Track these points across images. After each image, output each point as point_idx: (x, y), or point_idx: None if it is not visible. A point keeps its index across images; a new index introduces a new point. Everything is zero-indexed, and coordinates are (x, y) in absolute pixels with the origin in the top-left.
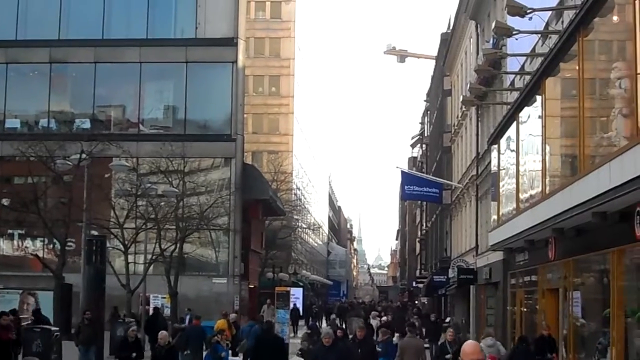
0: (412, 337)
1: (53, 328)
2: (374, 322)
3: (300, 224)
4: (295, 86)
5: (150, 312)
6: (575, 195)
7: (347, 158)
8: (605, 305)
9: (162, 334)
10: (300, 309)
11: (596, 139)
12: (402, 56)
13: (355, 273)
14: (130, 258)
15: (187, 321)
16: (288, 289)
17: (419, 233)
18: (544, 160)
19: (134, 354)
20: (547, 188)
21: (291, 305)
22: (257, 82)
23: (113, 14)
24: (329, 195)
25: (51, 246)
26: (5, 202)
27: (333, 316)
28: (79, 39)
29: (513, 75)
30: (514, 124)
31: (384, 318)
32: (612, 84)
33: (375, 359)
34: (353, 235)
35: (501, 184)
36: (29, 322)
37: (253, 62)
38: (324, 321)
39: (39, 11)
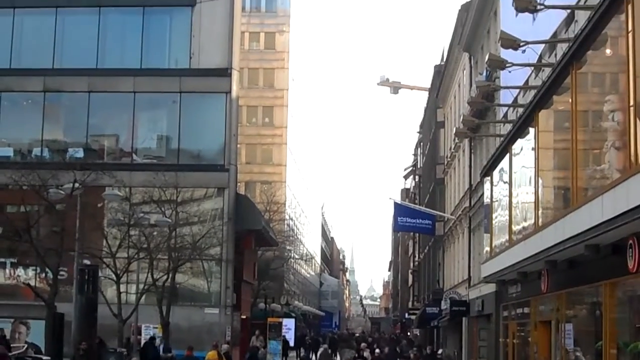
0: None
1: (45, 357)
2: (366, 354)
3: (292, 255)
4: (288, 117)
5: (142, 341)
6: (567, 228)
7: (340, 188)
8: (597, 337)
9: None
10: (292, 340)
11: (589, 172)
12: (396, 88)
13: (347, 304)
14: (122, 287)
15: (161, 350)
16: (280, 320)
17: (412, 264)
18: (536, 193)
19: None
20: (540, 220)
21: (287, 335)
22: (251, 113)
23: (107, 44)
24: (322, 225)
25: (43, 275)
26: None
27: (325, 346)
28: (73, 68)
29: (506, 108)
30: (507, 156)
31: (377, 350)
32: (605, 116)
33: None
34: (345, 266)
35: (494, 215)
36: (21, 350)
37: (247, 92)
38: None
39: (34, 40)
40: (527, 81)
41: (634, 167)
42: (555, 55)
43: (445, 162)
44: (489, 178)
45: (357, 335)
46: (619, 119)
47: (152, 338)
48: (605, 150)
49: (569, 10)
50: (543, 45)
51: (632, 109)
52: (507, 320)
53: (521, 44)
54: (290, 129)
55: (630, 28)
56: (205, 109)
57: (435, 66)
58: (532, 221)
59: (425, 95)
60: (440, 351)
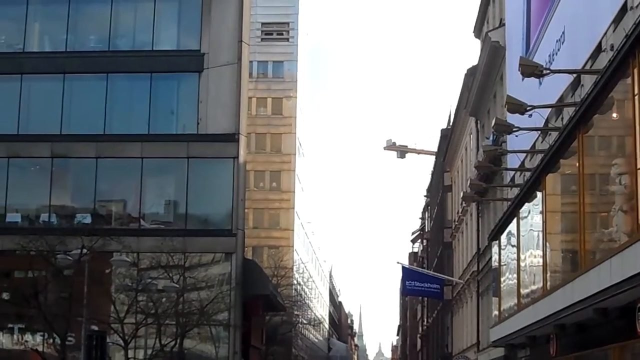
0: None
1: None
2: None
3: (301, 320)
4: (295, 181)
5: None
6: (576, 292)
7: (348, 253)
8: None
9: None
10: None
11: (597, 235)
12: (402, 152)
13: None
14: (130, 353)
15: None
16: None
17: (420, 328)
18: (544, 256)
19: None
20: (548, 284)
21: None
22: (258, 177)
23: (115, 110)
24: (330, 290)
25: (51, 341)
26: (5, 296)
27: None
28: (81, 134)
29: (513, 172)
30: (515, 219)
31: None
32: (612, 180)
33: None
34: (354, 330)
35: (502, 279)
36: None
37: (254, 157)
38: None
39: (41, 106)
40: (534, 145)
41: None
42: (562, 119)
43: (453, 226)
44: (496, 242)
45: None
46: (626, 183)
47: None
48: (612, 213)
49: (575, 75)
50: (550, 109)
51: (639, 172)
52: None
53: (527, 108)
54: (297, 194)
55: (636, 91)
56: (213, 174)
57: (442, 130)
58: (541, 285)
59: (432, 159)
60: None
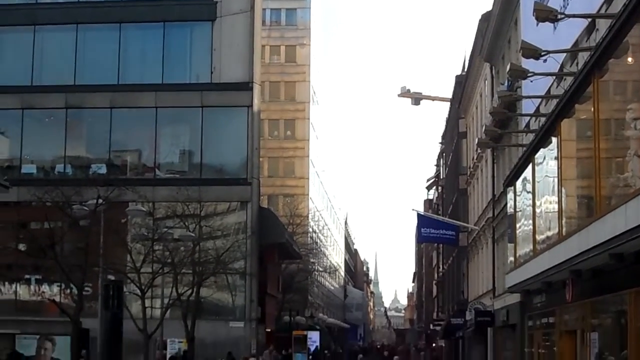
0: None
1: None
2: None
3: (316, 267)
4: (310, 129)
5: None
6: (591, 237)
7: (363, 201)
8: (623, 346)
9: None
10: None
11: (612, 180)
12: (417, 99)
13: (372, 316)
14: (147, 302)
15: None
16: (305, 333)
17: (436, 275)
18: (560, 202)
19: None
20: (564, 229)
21: (312, 348)
22: (273, 126)
23: (128, 59)
24: (345, 238)
25: (68, 291)
26: (22, 247)
27: (361, 356)
28: (95, 84)
29: (528, 117)
30: (530, 165)
31: None
32: (627, 125)
33: None
34: (369, 277)
35: (517, 225)
36: None
37: (268, 106)
38: None
39: (55, 57)
40: (549, 90)
41: None
42: (577, 64)
43: (468, 173)
44: (512, 188)
45: (384, 346)
46: None
47: (185, 352)
48: (628, 158)
49: (590, 19)
50: (564, 54)
51: None
52: (532, 330)
53: (542, 53)
54: (312, 142)
55: None
56: (227, 123)
57: (457, 76)
58: (556, 231)
59: (446, 105)
60: None
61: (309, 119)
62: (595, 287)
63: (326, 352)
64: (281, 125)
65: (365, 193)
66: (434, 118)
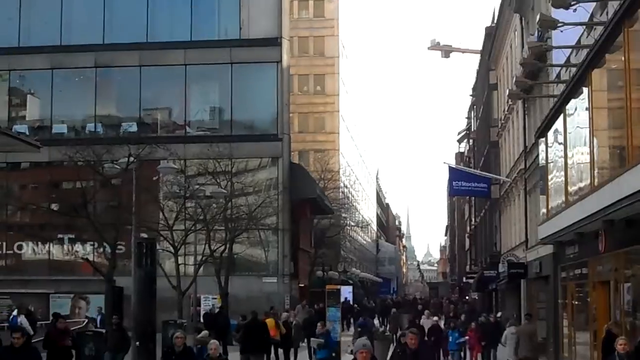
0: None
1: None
2: (427, 322)
3: (348, 222)
4: (340, 84)
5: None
6: (624, 187)
7: (394, 155)
8: None
9: (213, 344)
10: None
11: None
12: (447, 51)
13: (404, 270)
14: (180, 259)
15: (98, 322)
16: (338, 287)
17: (468, 228)
18: (592, 152)
19: None
20: (596, 180)
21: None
22: (302, 81)
23: (157, 17)
24: (377, 192)
25: (101, 250)
26: (54, 207)
27: (394, 310)
28: (124, 42)
29: (559, 68)
30: (561, 116)
31: (434, 318)
32: None
33: None
34: (402, 232)
35: (550, 177)
36: (82, 325)
37: (297, 61)
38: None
39: (83, 16)
40: (579, 40)
41: None
42: (607, 13)
43: (499, 125)
44: (543, 139)
45: (418, 300)
46: None
47: (221, 307)
48: None
49: None
50: (594, 3)
51: None
52: (565, 281)
53: (572, 2)
54: (342, 97)
55: None
56: (257, 79)
57: (486, 28)
58: (588, 181)
59: (477, 57)
60: (499, 314)
61: (338, 73)
62: (628, 238)
63: (356, 306)
64: (311, 81)
65: (396, 147)
66: (465, 70)
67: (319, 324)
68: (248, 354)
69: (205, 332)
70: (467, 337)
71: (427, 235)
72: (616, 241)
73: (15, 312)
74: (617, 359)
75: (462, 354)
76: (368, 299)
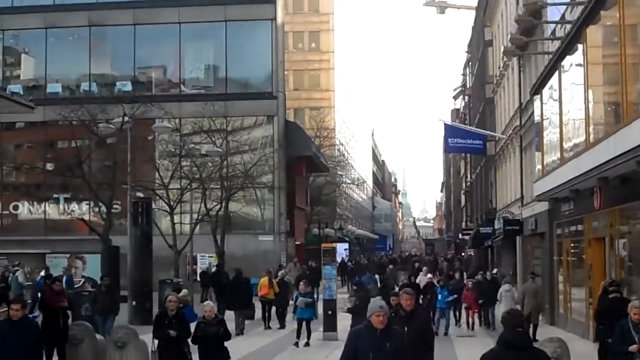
0: (532, 282)
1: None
2: (423, 279)
3: (344, 180)
4: (335, 41)
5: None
6: (619, 144)
7: (389, 112)
8: None
9: (210, 306)
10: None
11: (639, 86)
12: (442, 7)
13: (400, 226)
14: (177, 218)
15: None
16: (334, 245)
17: (464, 185)
18: (587, 109)
19: (172, 332)
20: (591, 136)
21: (338, 259)
22: (297, 38)
23: None
24: (373, 149)
25: (97, 209)
26: (50, 166)
27: (391, 266)
28: (117, 1)
29: (554, 25)
30: (556, 73)
31: (429, 276)
32: None
33: (429, 344)
34: (398, 188)
35: (545, 133)
36: (79, 285)
37: (292, 18)
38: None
39: None
40: None
41: None
42: None
43: (495, 81)
44: (538, 96)
45: (410, 255)
46: None
47: (219, 266)
48: None
49: None
50: None
51: None
52: (560, 238)
53: None
54: (337, 54)
55: None
56: (251, 37)
57: None
58: (583, 138)
59: (472, 14)
60: (495, 270)
61: (333, 30)
62: (623, 195)
63: (350, 263)
64: (306, 38)
65: (392, 104)
66: (460, 27)
67: (301, 283)
68: (235, 310)
69: (185, 291)
70: (456, 296)
71: (423, 192)
72: (611, 198)
73: (42, 273)
74: (631, 325)
75: (457, 312)
76: (363, 256)
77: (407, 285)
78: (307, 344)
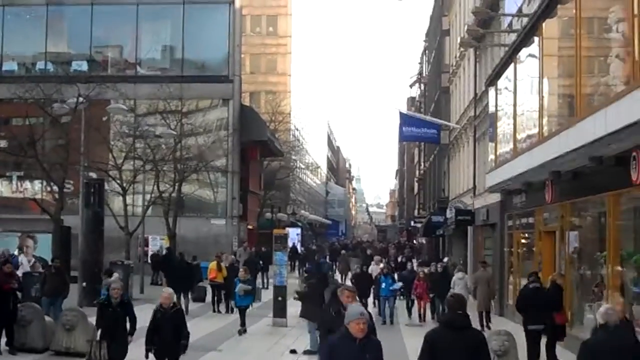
0: (484, 271)
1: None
2: (375, 269)
3: (298, 165)
4: (292, 26)
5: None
6: (571, 140)
7: (346, 98)
8: (601, 247)
9: (167, 292)
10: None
11: (594, 81)
12: None
13: (354, 212)
14: (129, 200)
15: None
16: (286, 231)
17: (417, 173)
18: (541, 101)
19: (130, 339)
20: (545, 129)
21: (290, 245)
22: (255, 22)
23: None
24: (328, 135)
25: (49, 189)
26: (3, 144)
27: (344, 252)
28: None
29: (511, 17)
30: (512, 65)
31: (381, 265)
32: (609, 28)
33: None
34: (352, 174)
35: (499, 124)
36: (30, 264)
37: (250, 1)
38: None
39: None
40: None
41: (638, 79)
42: None
43: (451, 71)
44: (493, 87)
45: (368, 242)
46: (624, 30)
47: (169, 249)
48: (610, 60)
49: None
50: None
51: (636, 19)
52: (512, 229)
53: None
54: (294, 39)
55: None
56: (209, 19)
57: None
58: (537, 130)
59: (431, 2)
60: (445, 259)
61: (291, 14)
62: (574, 189)
63: (302, 249)
64: (263, 21)
65: (349, 90)
66: (419, 15)
67: (241, 270)
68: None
69: (116, 275)
70: (401, 284)
71: (377, 178)
72: (563, 192)
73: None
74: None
75: (409, 303)
76: (315, 241)
77: (359, 275)
78: (243, 332)
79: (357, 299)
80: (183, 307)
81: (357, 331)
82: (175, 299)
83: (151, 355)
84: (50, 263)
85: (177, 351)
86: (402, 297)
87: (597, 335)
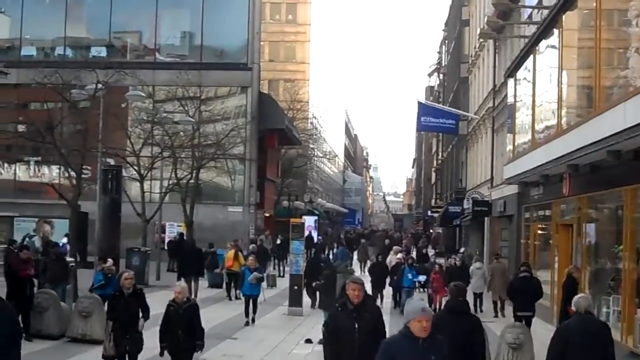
0: (497, 263)
1: (68, 258)
2: (393, 259)
3: (316, 153)
4: (312, 13)
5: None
6: (590, 133)
7: (365, 87)
8: (617, 241)
9: (180, 286)
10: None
11: (613, 74)
12: None
13: (370, 201)
14: (146, 186)
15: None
16: (303, 220)
17: (435, 162)
18: (560, 93)
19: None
20: (563, 120)
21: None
22: (274, 9)
23: None
24: (346, 123)
25: (67, 174)
26: (21, 129)
27: (363, 241)
28: None
29: (531, 9)
30: (531, 57)
31: (399, 256)
32: (629, 22)
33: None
34: (369, 163)
35: (517, 116)
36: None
37: None
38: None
39: None
40: None
41: None
42: None
43: (470, 62)
44: (512, 78)
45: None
46: None
47: (181, 235)
48: (629, 54)
49: None
50: None
51: None
52: (528, 221)
53: None
54: (314, 27)
55: None
56: (228, 6)
57: None
58: (555, 122)
59: None
60: (462, 250)
61: (310, 2)
62: (592, 182)
63: (319, 238)
64: (283, 9)
65: (367, 79)
66: (439, 4)
67: (250, 258)
68: (186, 278)
69: (110, 261)
70: (425, 276)
71: (394, 167)
72: (580, 185)
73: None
74: None
75: (428, 292)
76: (331, 229)
77: (375, 265)
78: (253, 321)
79: (365, 290)
80: (193, 290)
81: (420, 330)
82: (187, 294)
83: (166, 353)
84: (50, 249)
85: (191, 348)
86: (422, 290)
87: (569, 320)
